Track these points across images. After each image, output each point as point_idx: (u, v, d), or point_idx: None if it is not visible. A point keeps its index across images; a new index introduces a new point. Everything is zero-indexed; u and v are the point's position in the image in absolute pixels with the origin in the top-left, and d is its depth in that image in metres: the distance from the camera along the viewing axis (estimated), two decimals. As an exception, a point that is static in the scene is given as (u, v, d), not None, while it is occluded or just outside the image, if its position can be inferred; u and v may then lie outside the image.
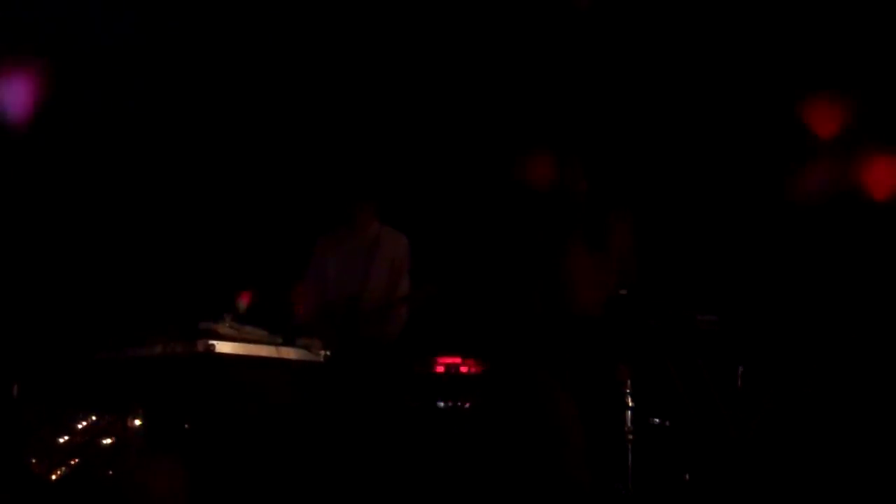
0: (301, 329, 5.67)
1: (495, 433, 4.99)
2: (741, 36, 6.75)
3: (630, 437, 5.51)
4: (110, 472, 5.30)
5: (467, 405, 5.61)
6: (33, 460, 5.42)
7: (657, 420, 5.57)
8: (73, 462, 5.44)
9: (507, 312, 5.82)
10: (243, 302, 5.67)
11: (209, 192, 7.03)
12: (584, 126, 6.47)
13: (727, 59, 6.77)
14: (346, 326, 5.92)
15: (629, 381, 5.55)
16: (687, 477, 5.60)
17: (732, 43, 6.76)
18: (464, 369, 5.95)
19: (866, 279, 6.12)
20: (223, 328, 5.32)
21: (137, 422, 5.43)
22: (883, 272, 6.13)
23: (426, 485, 5.52)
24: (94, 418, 5.51)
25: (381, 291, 6.18)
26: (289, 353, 5.48)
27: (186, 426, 5.31)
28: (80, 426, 5.48)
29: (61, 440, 5.44)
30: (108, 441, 5.42)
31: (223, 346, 5.27)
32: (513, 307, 5.82)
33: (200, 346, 5.22)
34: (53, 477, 5.30)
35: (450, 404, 5.88)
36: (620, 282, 5.79)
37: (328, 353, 5.55)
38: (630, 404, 5.52)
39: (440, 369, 6.02)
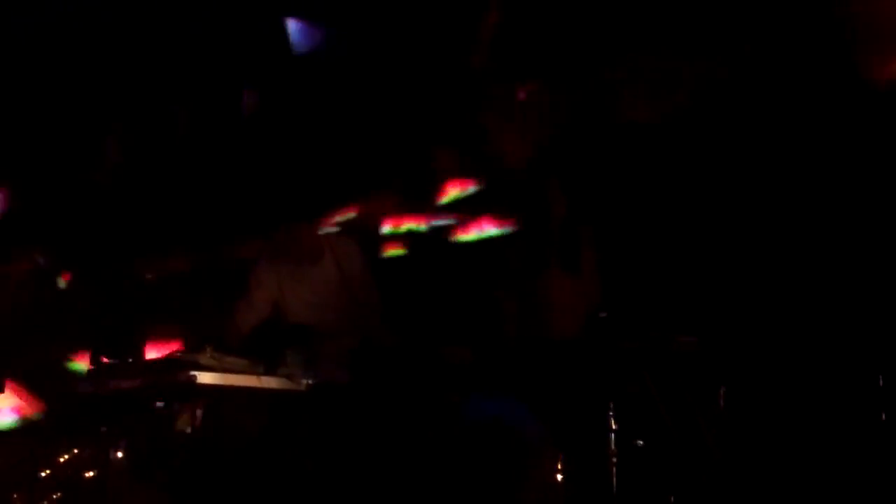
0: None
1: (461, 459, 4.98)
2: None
3: (614, 459, 5.47)
4: (93, 506, 5.21)
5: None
6: (14, 495, 5.45)
7: (641, 442, 5.52)
8: (55, 496, 5.46)
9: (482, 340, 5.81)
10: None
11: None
12: (559, 146, 6.38)
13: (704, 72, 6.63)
14: (364, 368, 5.78)
15: (612, 404, 5.48)
16: (672, 499, 5.56)
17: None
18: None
19: (849, 297, 6.10)
20: (204, 359, 5.32)
21: (120, 454, 5.44)
22: (866, 289, 6.12)
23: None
24: (75, 451, 5.54)
25: (367, 312, 6.07)
26: (270, 382, 5.47)
27: (169, 458, 5.35)
28: (61, 459, 5.51)
29: (43, 474, 5.47)
30: (90, 474, 5.45)
31: (204, 377, 5.26)
32: (487, 333, 5.80)
33: (182, 377, 5.21)
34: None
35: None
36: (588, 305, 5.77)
37: (310, 382, 5.52)
38: (614, 427, 5.47)
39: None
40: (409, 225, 6.45)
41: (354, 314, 6.03)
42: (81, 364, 5.47)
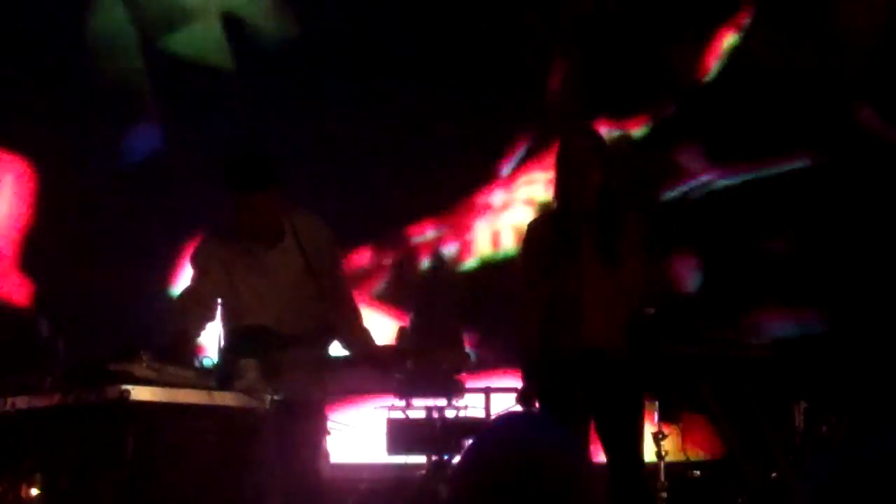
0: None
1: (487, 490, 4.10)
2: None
3: (664, 494, 4.85)
4: (0, 557, 4.71)
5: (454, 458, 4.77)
6: None
7: (697, 472, 5.09)
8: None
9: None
10: None
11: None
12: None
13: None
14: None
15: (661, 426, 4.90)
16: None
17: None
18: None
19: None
20: (140, 369, 4.58)
21: (34, 491, 4.79)
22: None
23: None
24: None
25: (337, 308, 5.16)
26: (224, 398, 4.69)
27: (96, 493, 4.65)
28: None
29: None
30: (-4, 516, 4.98)
31: (140, 392, 4.54)
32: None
33: (111, 393, 4.50)
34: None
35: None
36: (635, 301, 4.95)
37: (275, 398, 4.66)
38: (663, 453, 4.84)
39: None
40: None
41: (322, 311, 5.09)
42: None
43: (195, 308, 5.01)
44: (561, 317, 4.78)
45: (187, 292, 5.08)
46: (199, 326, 5.03)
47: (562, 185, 4.80)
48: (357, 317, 5.22)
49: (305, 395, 4.90)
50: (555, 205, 4.84)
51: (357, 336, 5.10)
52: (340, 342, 5.16)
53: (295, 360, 4.88)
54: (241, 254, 5.00)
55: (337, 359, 5.21)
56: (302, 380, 4.89)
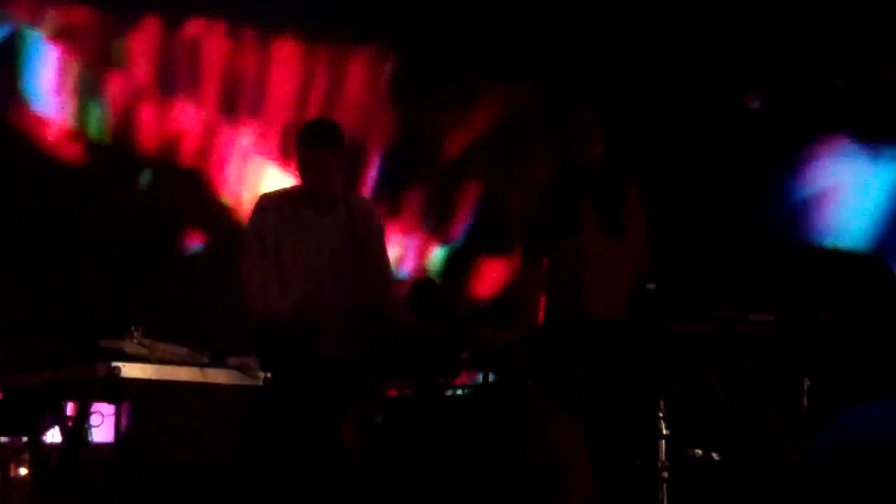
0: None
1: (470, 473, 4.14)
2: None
3: (664, 473, 4.71)
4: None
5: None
6: None
7: (698, 452, 4.85)
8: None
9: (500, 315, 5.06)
10: None
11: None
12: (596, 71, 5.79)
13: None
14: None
15: (662, 403, 4.71)
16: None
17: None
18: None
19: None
20: (131, 346, 4.54)
21: (23, 471, 4.92)
22: None
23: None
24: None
25: (378, 282, 5.10)
26: (217, 376, 4.66)
27: (86, 473, 4.65)
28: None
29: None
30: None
31: (131, 370, 4.51)
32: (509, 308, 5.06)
33: (101, 370, 4.45)
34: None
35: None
36: (638, 268, 4.92)
37: (269, 375, 4.61)
38: (664, 432, 4.71)
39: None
40: None
41: (363, 283, 4.99)
42: None
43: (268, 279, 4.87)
44: (563, 289, 4.75)
45: (254, 264, 4.90)
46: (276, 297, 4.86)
47: (563, 157, 4.78)
48: (394, 300, 5.15)
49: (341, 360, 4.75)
50: (556, 177, 4.81)
51: (391, 318, 5.02)
52: (374, 321, 5.05)
53: (330, 332, 4.76)
54: (293, 216, 4.93)
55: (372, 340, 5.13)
56: (337, 350, 4.75)
